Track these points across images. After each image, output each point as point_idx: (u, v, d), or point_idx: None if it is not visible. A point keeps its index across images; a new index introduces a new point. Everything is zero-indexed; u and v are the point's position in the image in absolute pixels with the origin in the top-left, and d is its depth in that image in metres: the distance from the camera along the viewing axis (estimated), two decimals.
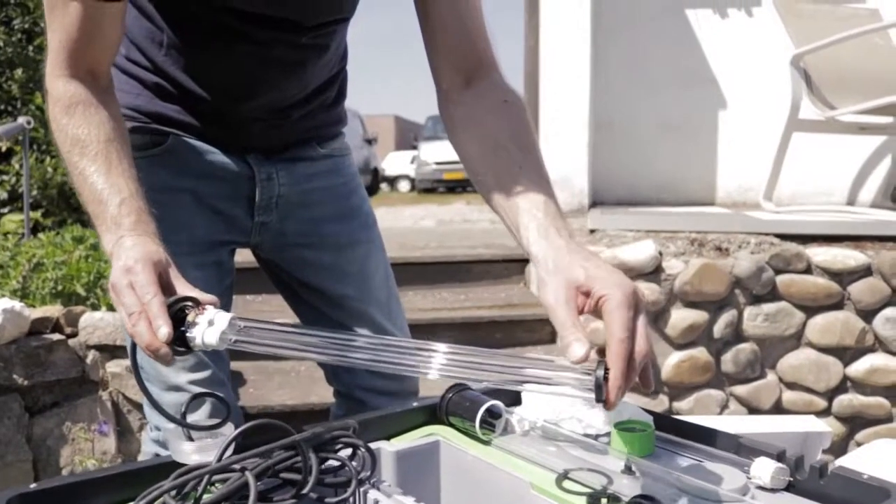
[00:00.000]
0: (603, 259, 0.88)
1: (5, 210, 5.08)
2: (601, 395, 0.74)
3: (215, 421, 0.85)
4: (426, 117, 19.02)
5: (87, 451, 2.62)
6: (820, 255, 2.93)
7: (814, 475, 0.81)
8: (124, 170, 0.95)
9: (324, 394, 2.61)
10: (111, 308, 2.77)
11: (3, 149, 5.08)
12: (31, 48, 5.39)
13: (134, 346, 0.85)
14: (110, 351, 2.70)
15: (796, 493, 0.82)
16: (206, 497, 0.69)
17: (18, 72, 5.29)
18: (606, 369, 0.74)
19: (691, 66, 4.09)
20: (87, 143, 0.95)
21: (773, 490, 0.82)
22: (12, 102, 5.38)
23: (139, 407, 2.70)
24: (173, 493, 0.69)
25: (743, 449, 0.88)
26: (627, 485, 0.80)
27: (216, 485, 0.71)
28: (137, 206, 0.93)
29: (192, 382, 1.23)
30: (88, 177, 0.94)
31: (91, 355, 2.69)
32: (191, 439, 0.81)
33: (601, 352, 0.76)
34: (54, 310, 2.71)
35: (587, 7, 3.69)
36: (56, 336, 2.64)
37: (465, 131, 1.05)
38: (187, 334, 0.83)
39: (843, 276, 2.91)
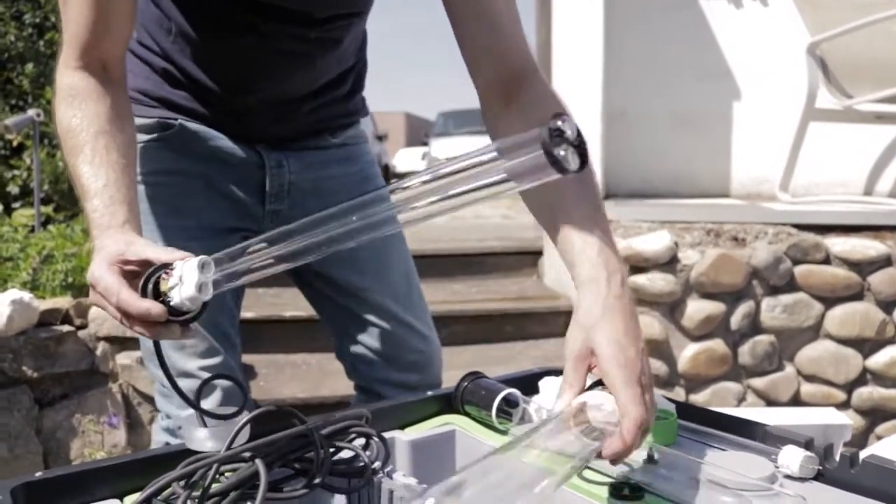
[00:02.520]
0: (632, 316, 0.79)
1: (17, 205, 5.13)
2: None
3: (230, 409, 0.84)
4: (437, 114, 19.07)
5: (97, 443, 2.64)
6: (839, 245, 2.92)
7: (844, 464, 0.80)
8: (109, 160, 0.94)
9: (335, 387, 2.63)
10: None
11: (15, 143, 5.13)
12: (41, 43, 5.44)
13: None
14: (120, 343, 2.71)
15: (826, 482, 0.80)
16: (215, 486, 0.68)
17: (29, 66, 5.34)
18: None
19: (705, 56, 4.07)
20: (77, 132, 0.95)
21: (801, 479, 0.80)
22: (23, 97, 5.44)
23: (149, 399, 2.71)
24: (182, 482, 0.68)
25: (769, 437, 0.87)
26: (649, 474, 0.78)
27: (226, 474, 0.70)
28: (109, 196, 0.91)
29: (203, 369, 1.21)
30: (77, 169, 0.94)
31: (101, 347, 2.70)
32: (205, 426, 0.79)
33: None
34: (63, 301, 2.72)
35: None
36: (65, 328, 2.65)
37: None
38: (171, 303, 0.80)
39: (863, 267, 2.89)
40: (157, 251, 0.83)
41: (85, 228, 3.34)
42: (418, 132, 29.74)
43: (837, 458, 0.80)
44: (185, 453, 0.75)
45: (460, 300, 3.45)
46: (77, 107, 0.96)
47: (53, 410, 2.64)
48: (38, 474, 0.76)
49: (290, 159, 1.27)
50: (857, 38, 3.35)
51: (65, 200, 4.91)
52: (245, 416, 0.74)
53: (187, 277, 0.78)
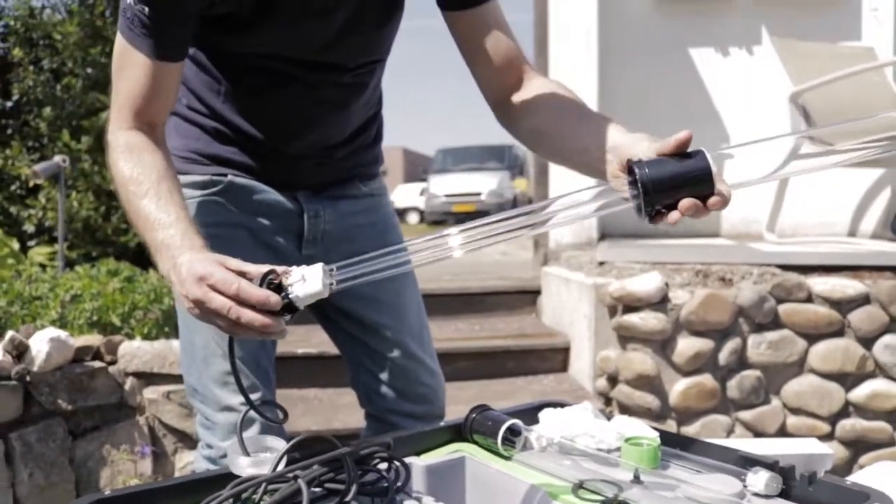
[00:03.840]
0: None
1: (32, 242, 5.17)
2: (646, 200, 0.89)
3: (269, 438, 0.94)
4: (435, 150, 19.11)
5: (125, 472, 2.71)
6: (820, 284, 2.96)
7: (803, 483, 0.89)
8: (174, 200, 1.05)
9: (346, 420, 2.69)
10: (146, 337, 2.87)
11: (31, 184, 5.19)
12: (58, 87, 5.47)
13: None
14: (147, 378, 2.80)
15: (788, 498, 0.89)
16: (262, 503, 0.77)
17: (46, 110, 5.37)
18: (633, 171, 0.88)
19: (695, 102, 4.17)
20: (140, 181, 1.06)
21: (767, 496, 0.89)
22: (40, 139, 5.47)
23: (174, 431, 2.79)
24: (231, 500, 0.77)
25: (740, 461, 0.95)
26: (636, 493, 0.87)
27: (268, 494, 0.78)
28: (183, 227, 1.02)
29: (244, 404, 1.31)
30: (142, 209, 1.04)
31: (129, 382, 2.79)
32: (247, 454, 0.88)
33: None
34: (95, 339, 2.80)
35: (594, 45, 3.81)
36: (97, 363, 2.74)
37: (524, 116, 1.21)
38: (290, 296, 0.90)
39: (843, 305, 2.94)
40: (254, 266, 0.93)
41: (110, 270, 3.42)
42: (416, 168, 29.57)
43: (798, 477, 0.89)
44: (228, 476, 0.84)
45: (464, 337, 3.50)
46: (136, 159, 1.08)
47: (85, 441, 2.71)
48: (108, 492, 0.85)
49: (326, 209, 1.39)
50: (838, 87, 3.40)
51: (78, 239, 4.96)
52: (284, 444, 0.84)
53: (311, 276, 0.90)
